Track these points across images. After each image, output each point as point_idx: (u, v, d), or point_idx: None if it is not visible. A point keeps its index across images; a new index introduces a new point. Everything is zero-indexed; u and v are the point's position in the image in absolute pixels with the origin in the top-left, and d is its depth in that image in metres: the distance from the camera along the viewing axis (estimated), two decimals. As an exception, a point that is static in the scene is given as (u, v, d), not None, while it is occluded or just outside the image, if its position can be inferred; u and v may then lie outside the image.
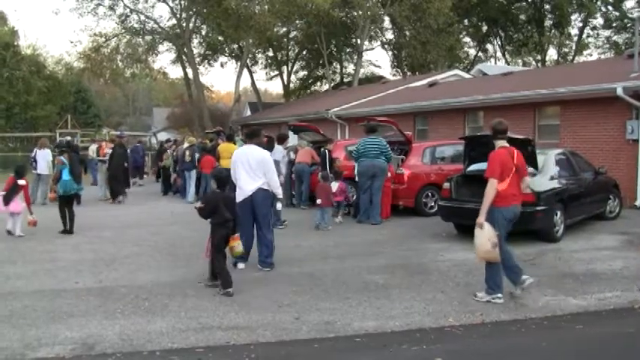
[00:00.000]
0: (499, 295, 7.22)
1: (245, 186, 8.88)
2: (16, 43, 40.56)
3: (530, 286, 7.41)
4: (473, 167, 11.59)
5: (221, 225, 7.83)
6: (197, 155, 18.27)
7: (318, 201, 12.95)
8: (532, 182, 10.45)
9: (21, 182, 12.18)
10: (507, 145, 7.43)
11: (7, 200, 11.89)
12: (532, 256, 9.64)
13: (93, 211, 16.10)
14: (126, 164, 19.01)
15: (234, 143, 16.51)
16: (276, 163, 12.39)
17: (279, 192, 9.36)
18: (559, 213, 10.89)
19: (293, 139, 18.70)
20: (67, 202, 12.35)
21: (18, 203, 12.08)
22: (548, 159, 11.40)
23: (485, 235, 7.00)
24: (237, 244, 8.09)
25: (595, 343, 6.10)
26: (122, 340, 5.94)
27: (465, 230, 11.67)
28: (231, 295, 7.49)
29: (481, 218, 7.07)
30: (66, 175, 12.20)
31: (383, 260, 9.59)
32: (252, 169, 8.90)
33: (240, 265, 8.99)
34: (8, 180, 12.23)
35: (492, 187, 7.07)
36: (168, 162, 21.44)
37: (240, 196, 8.87)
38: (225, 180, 8.36)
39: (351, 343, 5.92)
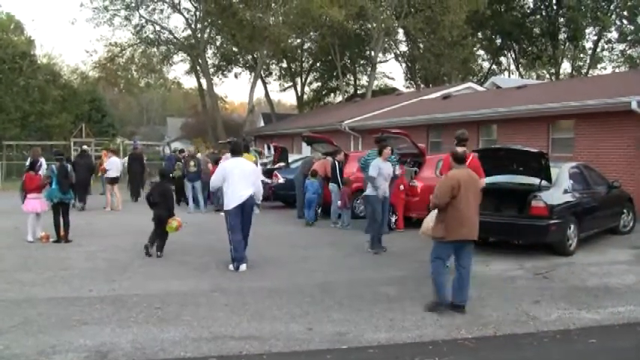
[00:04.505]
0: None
1: (241, 193, 9.67)
2: (32, 53, 40.91)
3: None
4: (486, 180, 11.56)
5: (151, 206, 11.00)
6: (210, 166, 18.31)
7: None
8: (545, 195, 10.48)
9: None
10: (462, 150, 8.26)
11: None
12: (545, 269, 9.61)
13: (106, 218, 16.21)
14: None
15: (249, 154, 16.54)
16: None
17: (259, 198, 10.55)
18: (572, 226, 10.83)
19: (306, 150, 18.68)
20: (60, 210, 12.33)
21: (43, 202, 12.40)
22: (562, 172, 11.37)
23: (427, 218, 8.02)
24: (171, 222, 10.76)
25: (608, 357, 6.08)
26: (135, 348, 5.97)
27: (478, 243, 11.65)
28: (149, 251, 10.64)
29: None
30: (53, 184, 12.28)
31: (395, 272, 9.59)
32: (247, 178, 9.81)
33: (242, 267, 9.62)
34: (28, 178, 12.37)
35: None
36: (178, 172, 21.47)
37: (235, 202, 9.64)
38: (165, 175, 11.53)
39: (364, 355, 5.92)
